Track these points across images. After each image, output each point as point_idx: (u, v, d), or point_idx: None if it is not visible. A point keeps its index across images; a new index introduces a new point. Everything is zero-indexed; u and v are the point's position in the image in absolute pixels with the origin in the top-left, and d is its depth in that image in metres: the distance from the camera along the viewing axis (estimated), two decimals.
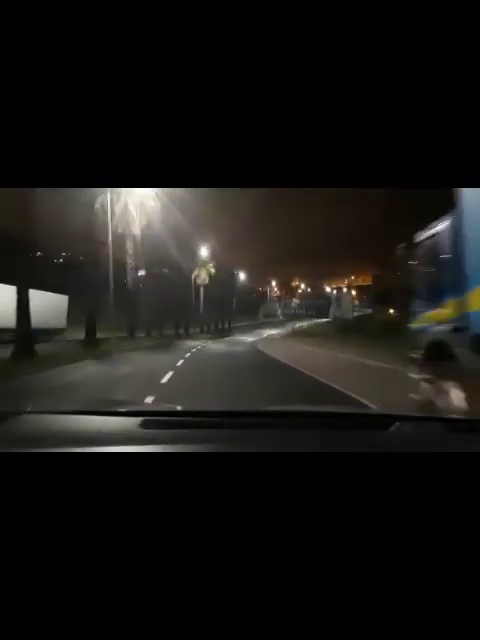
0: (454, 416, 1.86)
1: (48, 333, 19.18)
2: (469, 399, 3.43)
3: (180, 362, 12.09)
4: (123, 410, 1.38)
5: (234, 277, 54.02)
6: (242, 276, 56.47)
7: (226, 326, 51.21)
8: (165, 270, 34.13)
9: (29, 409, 1.30)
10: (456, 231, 3.76)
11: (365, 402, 5.68)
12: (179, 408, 1.53)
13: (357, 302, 70.97)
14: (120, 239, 22.57)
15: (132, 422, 1.17)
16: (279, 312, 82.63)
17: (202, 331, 41.62)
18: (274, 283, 76.63)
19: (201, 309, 42.39)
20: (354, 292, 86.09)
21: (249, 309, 66.96)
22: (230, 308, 53.78)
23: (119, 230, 21.98)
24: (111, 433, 1.11)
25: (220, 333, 44.24)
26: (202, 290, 42.33)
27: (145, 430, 1.12)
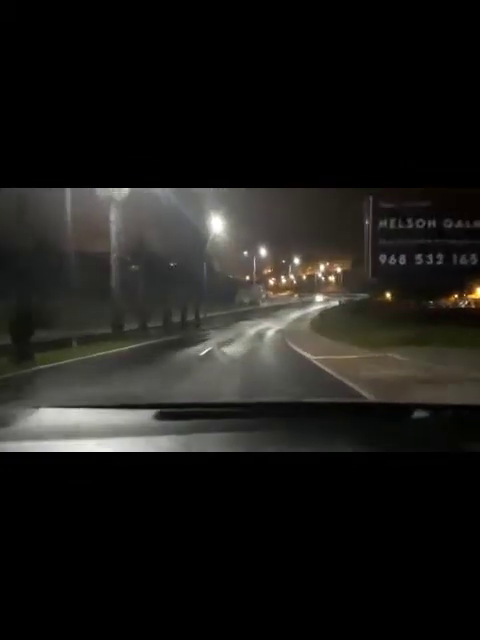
0: (464, 403, 1.43)
1: None
2: None
3: None
4: (136, 403, 1.36)
5: (205, 228, 28.54)
6: (218, 225, 30.61)
7: (193, 318, 25.93)
8: None
9: (44, 404, 1.26)
10: None
11: None
12: (192, 401, 1.46)
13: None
14: None
15: (146, 415, 1.13)
16: (263, 297, 58.83)
17: (119, 330, 15.79)
18: (264, 252, 52.62)
19: (113, 281, 16.78)
20: (332, 278, 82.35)
21: (224, 295, 42.07)
22: (199, 286, 28.60)
23: None
24: (124, 427, 1.07)
25: (165, 333, 18.75)
26: (115, 224, 16.57)
27: (159, 422, 1.08)
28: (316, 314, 36.00)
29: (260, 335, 19.91)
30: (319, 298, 59.83)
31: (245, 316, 34.02)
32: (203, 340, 17.10)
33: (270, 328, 24.24)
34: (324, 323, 25.59)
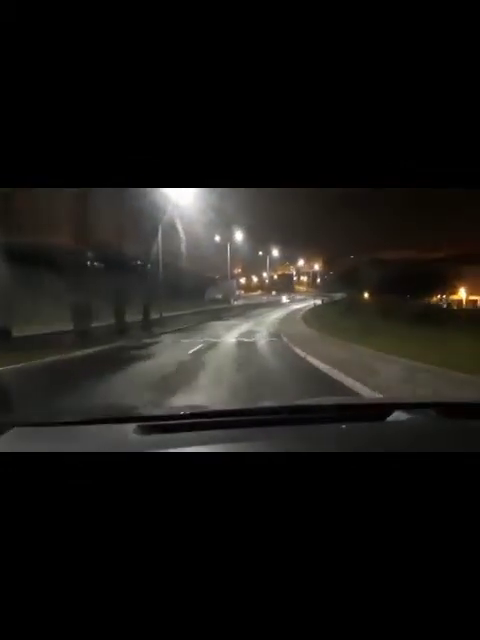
0: (450, 401, 1.45)
1: None
2: None
3: None
4: (121, 417, 1.22)
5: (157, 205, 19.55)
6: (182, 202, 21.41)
7: (140, 318, 17.21)
8: None
9: (23, 420, 1.15)
10: None
11: None
12: (180, 412, 1.27)
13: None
14: None
15: (131, 428, 1.04)
16: (237, 294, 50.58)
17: None
18: (240, 236, 43.69)
19: None
20: (305, 278, 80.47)
21: (192, 292, 33.50)
22: (152, 279, 19.77)
23: None
24: (110, 441, 1.02)
25: None
26: None
27: (145, 436, 1.01)
28: (303, 313, 28.05)
29: (248, 346, 11.42)
30: (285, 299, 52.28)
31: (218, 315, 25.51)
32: (127, 365, 8.40)
33: (256, 331, 15.89)
34: (324, 323, 17.55)
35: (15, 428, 1.06)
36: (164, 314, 19.43)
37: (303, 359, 8.34)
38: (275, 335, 13.84)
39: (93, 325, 12.83)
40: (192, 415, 1.19)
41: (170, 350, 10.66)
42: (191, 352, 9.66)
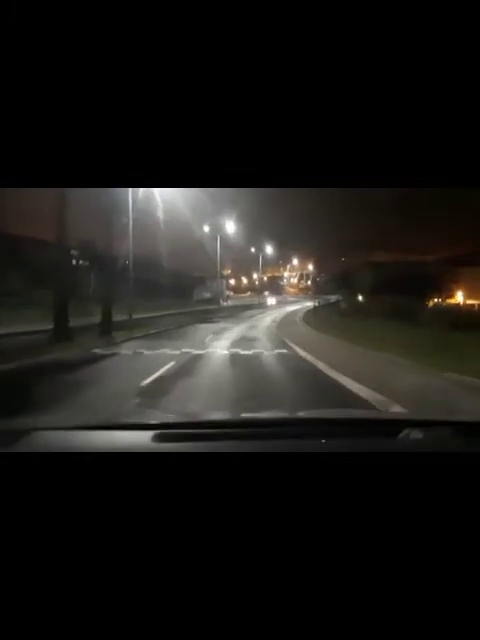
0: (464, 419, 1.38)
1: None
2: None
3: None
4: (135, 423, 1.27)
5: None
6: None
7: (95, 322, 12.81)
8: None
9: (38, 425, 1.17)
10: None
11: None
12: (189, 420, 1.36)
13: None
14: None
15: (144, 436, 1.07)
16: (226, 294, 46.22)
17: None
18: (231, 228, 38.96)
19: None
20: (295, 280, 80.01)
21: (178, 291, 29.23)
22: (117, 275, 15.37)
23: None
24: (123, 447, 1.03)
25: None
26: None
27: (157, 444, 1.03)
28: (302, 315, 24.04)
29: (249, 367, 7.15)
30: (271, 301, 48.40)
31: (205, 316, 21.24)
32: None
33: (255, 338, 11.67)
34: (338, 327, 13.50)
35: (33, 432, 1.08)
36: (135, 316, 15.08)
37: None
38: (283, 345, 9.67)
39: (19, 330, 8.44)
40: (209, 424, 1.22)
41: (115, 374, 6.34)
42: (149, 381, 5.38)
